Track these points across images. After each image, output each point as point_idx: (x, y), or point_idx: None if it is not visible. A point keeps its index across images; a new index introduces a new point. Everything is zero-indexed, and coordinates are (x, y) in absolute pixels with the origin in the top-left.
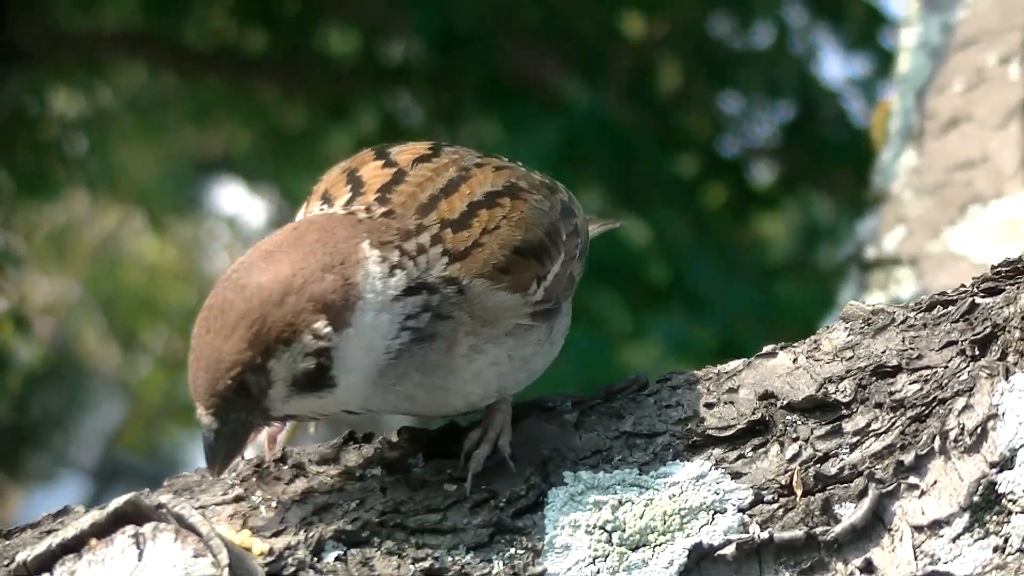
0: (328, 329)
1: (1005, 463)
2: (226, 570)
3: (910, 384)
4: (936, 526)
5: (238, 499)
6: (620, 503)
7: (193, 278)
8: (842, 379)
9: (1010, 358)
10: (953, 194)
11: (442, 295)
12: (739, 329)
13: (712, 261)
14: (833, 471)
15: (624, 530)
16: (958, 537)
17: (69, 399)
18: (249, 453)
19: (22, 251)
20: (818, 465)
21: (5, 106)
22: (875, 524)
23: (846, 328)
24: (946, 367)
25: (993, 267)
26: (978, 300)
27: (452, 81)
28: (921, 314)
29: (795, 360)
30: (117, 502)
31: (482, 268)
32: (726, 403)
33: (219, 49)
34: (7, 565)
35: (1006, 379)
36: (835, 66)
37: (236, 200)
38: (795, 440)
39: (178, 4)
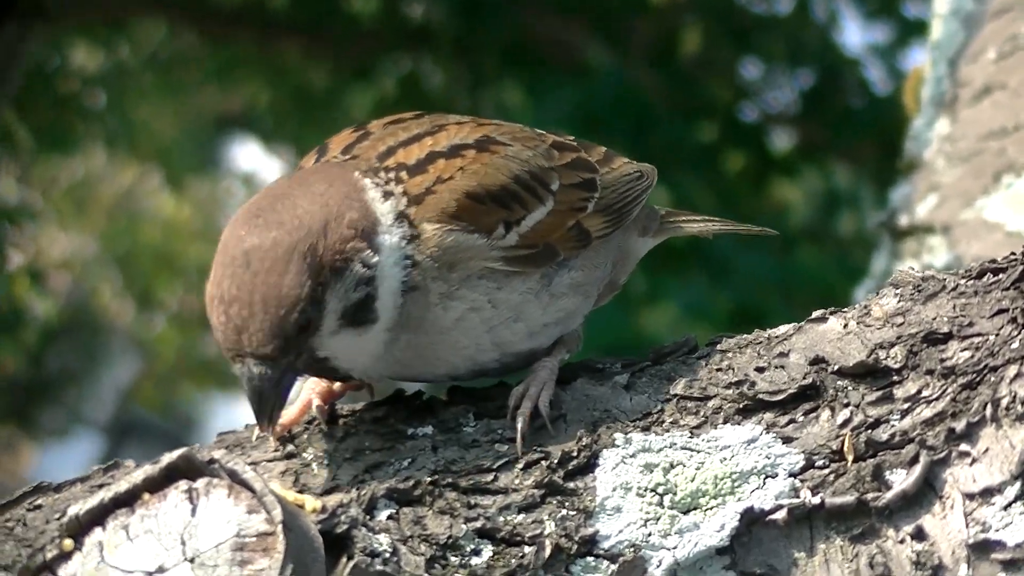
0: (376, 258)
1: None
2: (280, 527)
3: (961, 351)
4: (987, 494)
5: (290, 456)
6: (671, 466)
7: (209, 236)
8: (893, 345)
9: None
10: (986, 162)
11: (403, 234)
12: (757, 295)
13: None
14: (884, 437)
15: (675, 493)
16: (1009, 505)
17: (84, 355)
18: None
19: (39, 206)
20: (869, 431)
21: (25, 61)
22: (926, 491)
23: (896, 294)
24: (997, 335)
25: None
26: None
27: (474, 45)
28: (972, 281)
29: (846, 325)
30: (170, 456)
31: (432, 212)
32: (777, 367)
33: (242, 8)
34: (59, 519)
35: None
36: (855, 34)
37: (253, 159)
38: (846, 406)
39: None
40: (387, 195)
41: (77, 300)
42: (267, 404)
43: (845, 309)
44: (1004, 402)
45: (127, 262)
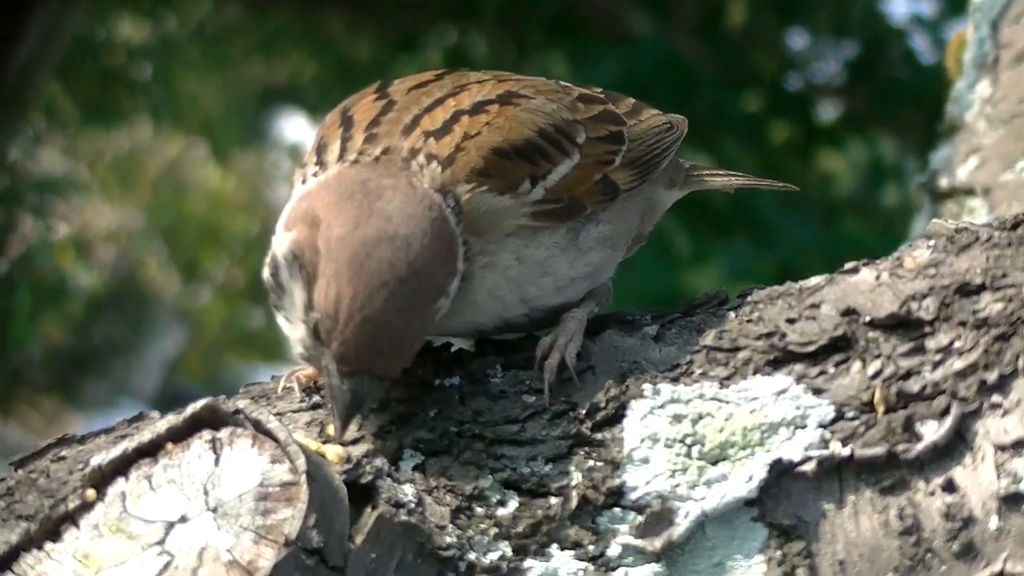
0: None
1: None
2: (303, 476)
3: (994, 303)
4: (1019, 445)
5: (315, 407)
6: (700, 417)
7: (255, 208)
8: (925, 296)
9: None
10: None
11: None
12: (800, 261)
13: (776, 193)
14: (915, 389)
15: (704, 444)
16: None
17: (130, 327)
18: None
19: (85, 178)
20: (900, 382)
21: (71, 33)
22: (957, 443)
23: (929, 246)
24: None
25: None
26: None
27: (519, 15)
28: (1006, 233)
29: (878, 277)
30: (194, 407)
31: (463, 172)
32: (808, 319)
33: None
34: (82, 469)
35: None
36: (901, 4)
37: (299, 131)
38: (877, 357)
39: None
40: (456, 216)
41: (123, 272)
42: (351, 415)
43: (877, 260)
44: None
45: (173, 234)
